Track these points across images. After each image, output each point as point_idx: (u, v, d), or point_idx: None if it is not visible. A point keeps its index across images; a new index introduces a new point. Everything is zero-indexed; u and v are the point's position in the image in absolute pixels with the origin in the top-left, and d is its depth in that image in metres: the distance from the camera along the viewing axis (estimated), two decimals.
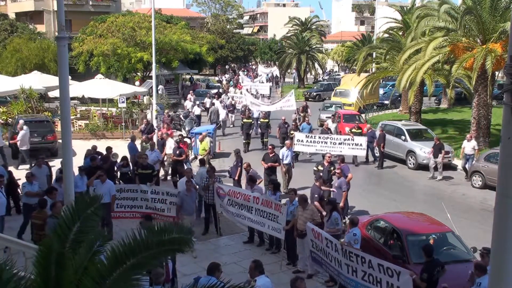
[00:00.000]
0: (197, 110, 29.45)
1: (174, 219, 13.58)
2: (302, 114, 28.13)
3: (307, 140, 20.32)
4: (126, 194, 14.05)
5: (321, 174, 14.61)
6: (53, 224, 7.66)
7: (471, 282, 8.28)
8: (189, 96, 34.59)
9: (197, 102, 31.84)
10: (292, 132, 21.74)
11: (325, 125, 23.47)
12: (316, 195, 12.90)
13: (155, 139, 19.81)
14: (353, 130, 22.12)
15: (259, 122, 25.94)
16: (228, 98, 33.70)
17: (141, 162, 14.77)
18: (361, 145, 20.06)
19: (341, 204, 13.33)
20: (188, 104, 30.13)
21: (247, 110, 27.26)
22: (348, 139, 20.29)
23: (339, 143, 20.00)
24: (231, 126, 30.21)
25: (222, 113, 28.68)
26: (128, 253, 4.41)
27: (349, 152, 20.13)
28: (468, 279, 8.44)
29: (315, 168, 15.66)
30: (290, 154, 17.26)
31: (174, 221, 13.19)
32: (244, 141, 24.08)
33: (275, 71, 60.25)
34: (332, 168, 14.79)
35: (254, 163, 15.26)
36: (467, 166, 19.58)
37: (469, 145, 19.59)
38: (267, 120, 24.98)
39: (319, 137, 20.39)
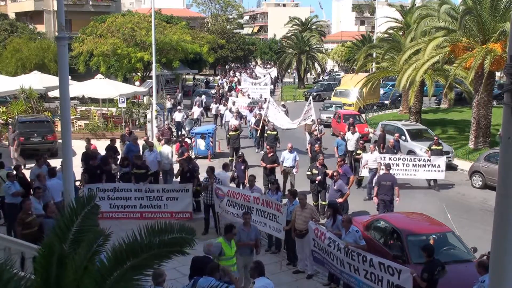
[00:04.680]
0: (196, 113, 28.27)
1: (171, 215, 13.68)
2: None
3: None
4: (119, 194, 14.07)
5: (320, 177, 14.57)
6: (51, 225, 7.65)
7: None
8: (167, 101, 32.37)
9: (179, 107, 29.41)
10: (360, 152, 18.14)
11: (390, 143, 19.26)
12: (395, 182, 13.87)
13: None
14: (433, 147, 18.60)
15: (265, 134, 22.06)
16: (231, 102, 31.57)
17: (136, 162, 14.84)
18: (439, 166, 17.60)
19: (341, 200, 13.32)
20: (195, 110, 28.39)
21: (262, 121, 23.17)
22: (424, 159, 17.88)
23: (413, 165, 17.61)
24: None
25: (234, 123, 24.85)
26: (129, 254, 4.41)
27: (426, 175, 17.81)
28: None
29: (308, 172, 15.16)
30: (292, 158, 16.48)
31: (172, 217, 13.33)
32: (230, 158, 19.78)
33: (273, 72, 59.85)
34: (326, 170, 14.72)
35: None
36: (374, 181, 15.68)
37: (371, 158, 17.01)
38: (275, 133, 21.22)
39: (389, 159, 17.44)
